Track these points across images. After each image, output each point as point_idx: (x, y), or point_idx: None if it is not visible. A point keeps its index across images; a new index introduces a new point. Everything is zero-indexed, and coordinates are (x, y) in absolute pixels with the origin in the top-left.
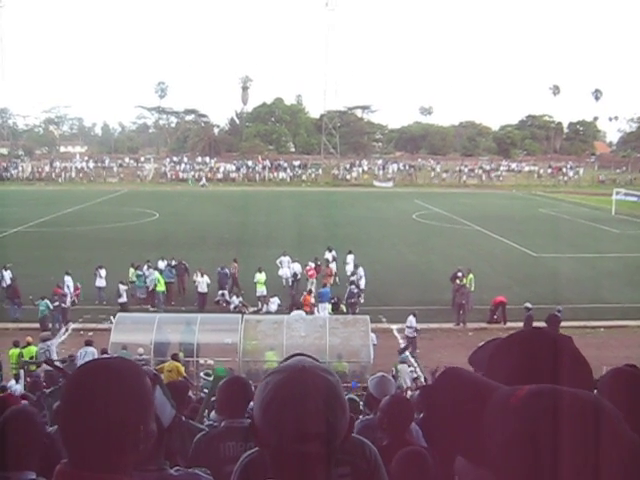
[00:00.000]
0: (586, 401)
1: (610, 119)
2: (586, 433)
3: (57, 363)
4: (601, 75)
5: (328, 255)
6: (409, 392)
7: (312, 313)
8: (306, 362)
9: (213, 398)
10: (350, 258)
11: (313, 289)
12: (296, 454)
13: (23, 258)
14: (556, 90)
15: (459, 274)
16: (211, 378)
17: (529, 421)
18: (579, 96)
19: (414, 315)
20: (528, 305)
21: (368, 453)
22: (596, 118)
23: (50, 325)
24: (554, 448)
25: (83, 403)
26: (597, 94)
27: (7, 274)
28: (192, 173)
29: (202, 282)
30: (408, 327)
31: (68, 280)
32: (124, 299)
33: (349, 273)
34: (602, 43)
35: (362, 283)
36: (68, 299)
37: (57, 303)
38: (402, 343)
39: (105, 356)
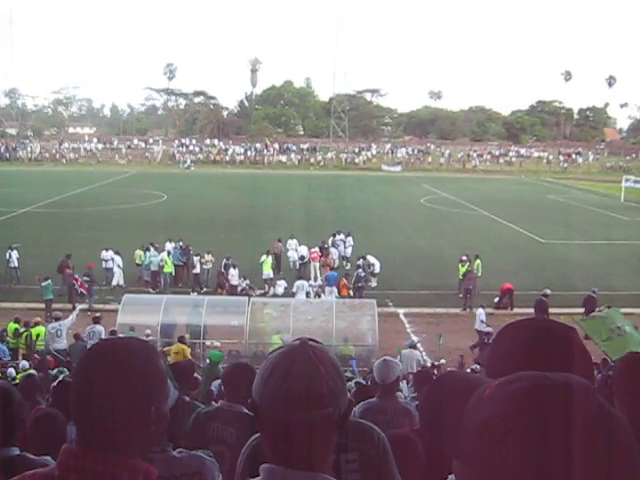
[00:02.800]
0: (559, 383)
1: (621, 106)
2: (560, 418)
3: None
4: (612, 61)
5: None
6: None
7: (349, 296)
8: (307, 340)
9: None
10: (349, 240)
11: (319, 274)
12: (299, 425)
13: (32, 238)
14: (568, 76)
15: (464, 258)
16: None
17: (499, 407)
18: (591, 82)
19: (483, 307)
20: (547, 292)
21: (377, 439)
22: (607, 104)
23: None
24: (526, 434)
25: (93, 383)
26: (611, 80)
27: (14, 254)
28: (198, 155)
29: (234, 275)
30: (482, 322)
31: (118, 260)
32: (197, 270)
33: (348, 255)
34: (615, 29)
35: (377, 267)
36: (120, 278)
37: (88, 278)
38: (411, 334)
39: (118, 336)
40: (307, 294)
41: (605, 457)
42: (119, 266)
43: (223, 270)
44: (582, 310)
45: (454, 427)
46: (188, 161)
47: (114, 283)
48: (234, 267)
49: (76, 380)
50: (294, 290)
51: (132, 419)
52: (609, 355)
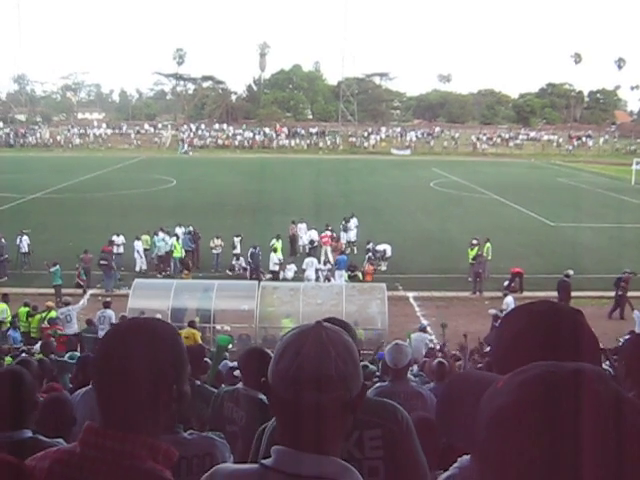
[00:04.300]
0: (570, 370)
1: (632, 88)
2: (572, 404)
3: (74, 330)
4: (624, 43)
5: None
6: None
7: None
8: (323, 321)
9: (225, 364)
10: (353, 223)
11: (330, 257)
12: (308, 407)
13: (42, 224)
14: (578, 58)
15: (474, 242)
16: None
17: (511, 396)
18: (601, 64)
19: (511, 295)
20: (569, 272)
21: (400, 417)
22: (618, 87)
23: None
24: (538, 421)
25: (116, 361)
26: (620, 63)
27: (25, 239)
28: (207, 140)
29: (275, 260)
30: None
31: (138, 245)
32: (238, 250)
33: (353, 239)
34: (625, 11)
35: (389, 252)
36: (142, 263)
37: (105, 262)
38: (420, 317)
39: (141, 316)
40: (317, 277)
41: (619, 443)
42: (138, 252)
43: (250, 259)
44: (612, 293)
45: (469, 424)
46: (185, 146)
47: (137, 269)
48: (275, 251)
49: (99, 359)
50: (304, 267)
51: (154, 398)
52: None
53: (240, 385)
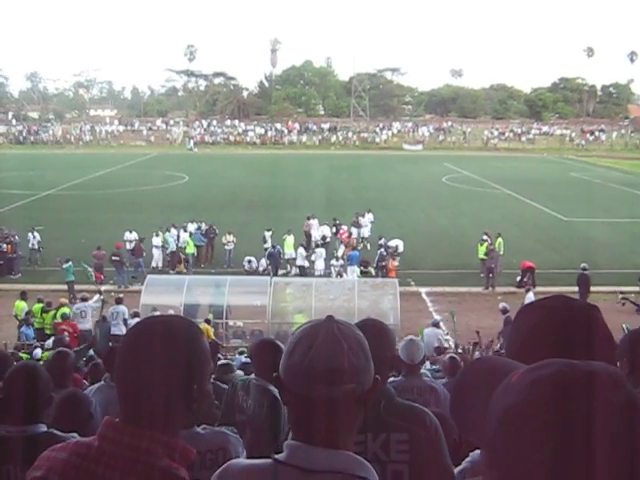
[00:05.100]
0: (585, 371)
1: None
2: (584, 407)
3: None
4: (636, 36)
5: (362, 220)
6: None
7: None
8: (335, 317)
9: (238, 359)
10: (368, 218)
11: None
12: (320, 401)
13: (55, 221)
14: (590, 52)
15: (484, 237)
16: (244, 356)
17: (522, 394)
18: (614, 58)
19: (532, 291)
20: (585, 265)
21: (429, 422)
22: (631, 81)
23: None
24: (546, 423)
25: (137, 359)
26: (632, 56)
27: (36, 236)
28: (219, 136)
29: (302, 254)
30: None
31: (156, 241)
32: (268, 245)
33: (367, 235)
34: (638, 3)
35: (401, 247)
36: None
37: (118, 257)
38: (433, 313)
39: (159, 313)
40: (329, 272)
41: (630, 449)
42: (157, 247)
43: (267, 260)
44: (625, 288)
45: (482, 416)
46: (191, 142)
47: (153, 265)
48: (303, 246)
49: (121, 356)
50: (312, 259)
51: (174, 396)
52: None
53: (253, 376)
